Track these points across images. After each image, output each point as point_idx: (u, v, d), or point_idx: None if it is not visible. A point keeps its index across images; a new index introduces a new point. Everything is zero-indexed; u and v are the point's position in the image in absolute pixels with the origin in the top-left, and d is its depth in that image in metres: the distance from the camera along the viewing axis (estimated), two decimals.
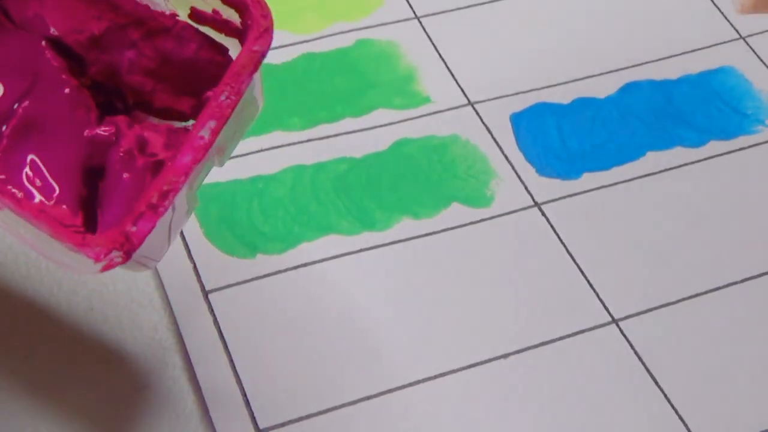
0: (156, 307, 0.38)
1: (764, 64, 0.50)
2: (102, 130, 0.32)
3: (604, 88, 0.48)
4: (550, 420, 0.37)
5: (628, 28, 0.50)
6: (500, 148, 0.45)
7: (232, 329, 0.38)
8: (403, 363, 0.38)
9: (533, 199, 0.43)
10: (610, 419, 0.38)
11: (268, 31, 0.31)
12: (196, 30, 0.32)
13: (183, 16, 0.32)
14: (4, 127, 0.31)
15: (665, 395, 0.38)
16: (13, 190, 0.29)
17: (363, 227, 0.42)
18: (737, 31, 0.51)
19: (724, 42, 0.50)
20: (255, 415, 0.36)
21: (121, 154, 0.31)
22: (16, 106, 0.31)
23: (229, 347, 0.38)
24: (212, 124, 0.29)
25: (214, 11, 0.31)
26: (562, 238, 0.42)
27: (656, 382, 0.39)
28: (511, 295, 0.40)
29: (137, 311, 0.38)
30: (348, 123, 0.45)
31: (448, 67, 0.48)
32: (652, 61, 0.49)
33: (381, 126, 0.45)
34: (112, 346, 0.37)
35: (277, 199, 0.42)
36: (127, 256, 0.27)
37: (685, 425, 0.38)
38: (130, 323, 0.38)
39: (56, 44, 0.32)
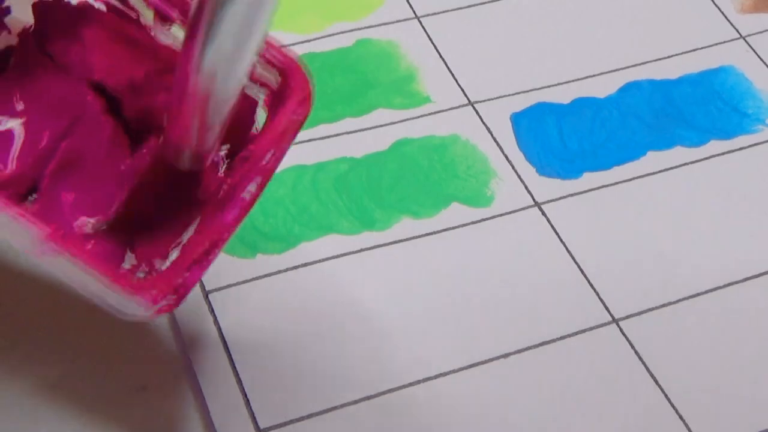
0: None
1: (764, 63, 0.50)
2: (145, 159, 0.33)
3: (604, 88, 0.48)
4: (550, 420, 0.37)
5: (628, 27, 0.50)
6: (500, 147, 0.45)
7: (232, 329, 0.38)
8: (403, 363, 0.38)
9: (533, 199, 0.43)
10: (610, 419, 0.38)
11: (308, 99, 0.32)
12: None
13: None
14: (44, 169, 0.32)
15: (665, 395, 0.38)
16: (68, 238, 0.29)
17: (363, 227, 0.42)
18: (737, 30, 0.51)
19: (725, 41, 0.50)
20: (255, 414, 0.36)
21: (164, 188, 0.32)
22: (56, 145, 0.32)
23: (229, 347, 0.38)
24: (258, 181, 0.31)
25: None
26: (562, 237, 0.42)
27: (656, 382, 0.39)
28: (510, 294, 0.40)
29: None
30: (348, 123, 0.45)
31: (448, 67, 0.48)
32: (652, 61, 0.49)
33: (381, 126, 0.45)
34: (112, 347, 0.37)
35: (277, 198, 0.42)
36: (178, 302, 0.29)
37: (686, 425, 0.38)
38: (130, 323, 0.38)
39: (96, 86, 0.33)
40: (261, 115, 0.33)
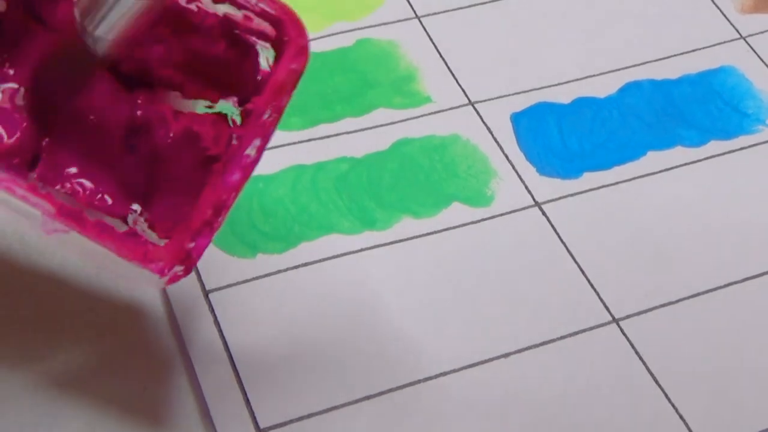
0: (156, 307, 0.38)
1: (765, 63, 0.50)
2: (145, 113, 0.32)
3: (605, 88, 0.48)
4: (550, 419, 0.37)
5: (628, 27, 0.50)
6: (501, 147, 0.45)
7: (232, 329, 0.38)
8: (403, 362, 0.38)
9: (534, 199, 0.43)
10: (610, 418, 0.38)
11: (304, 50, 0.31)
12: (225, 30, 0.32)
13: (218, 14, 0.32)
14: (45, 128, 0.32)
15: (665, 394, 0.38)
16: (77, 213, 0.29)
17: (363, 227, 0.42)
18: (737, 30, 0.51)
19: (725, 42, 0.50)
20: (255, 414, 0.36)
21: (170, 142, 0.32)
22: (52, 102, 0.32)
23: (229, 347, 0.38)
24: (258, 142, 0.30)
25: (246, 17, 0.32)
26: (562, 237, 0.42)
27: (656, 382, 0.39)
28: (511, 294, 0.40)
29: (138, 311, 0.38)
30: (348, 123, 0.45)
31: (448, 67, 0.48)
32: (653, 61, 0.49)
33: (381, 126, 0.45)
34: (112, 347, 0.37)
35: (277, 198, 0.42)
36: (188, 270, 0.29)
37: (686, 424, 0.38)
38: (131, 323, 0.38)
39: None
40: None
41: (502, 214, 0.43)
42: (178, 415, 0.36)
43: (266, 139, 0.31)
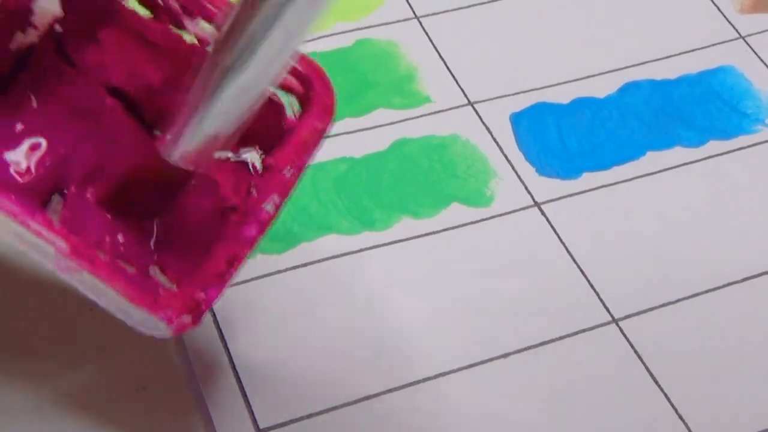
0: None
1: (764, 63, 0.50)
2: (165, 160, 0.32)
3: (604, 88, 0.48)
4: (550, 419, 0.37)
5: (628, 27, 0.50)
6: (500, 147, 0.45)
7: (232, 329, 0.38)
8: (402, 363, 0.38)
9: (533, 199, 0.43)
10: (609, 418, 0.38)
11: (330, 110, 0.31)
12: None
13: None
14: (66, 174, 0.31)
15: (665, 394, 0.38)
16: (90, 254, 0.28)
17: (363, 227, 0.42)
18: (737, 30, 0.51)
19: (724, 42, 0.50)
20: (255, 414, 0.36)
21: (189, 189, 0.32)
22: (76, 149, 0.31)
23: (229, 347, 0.38)
24: (276, 198, 0.30)
25: None
26: (561, 237, 0.42)
27: (656, 382, 0.39)
28: (510, 294, 0.40)
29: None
30: (348, 123, 0.45)
31: (448, 67, 0.48)
32: (652, 61, 0.49)
33: (381, 126, 0.45)
34: (112, 347, 0.37)
35: None
36: (196, 320, 0.29)
37: (685, 425, 0.38)
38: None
39: (114, 89, 0.32)
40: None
41: (501, 215, 0.43)
42: (178, 415, 0.36)
43: (285, 195, 0.30)
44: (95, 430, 0.35)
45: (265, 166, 0.31)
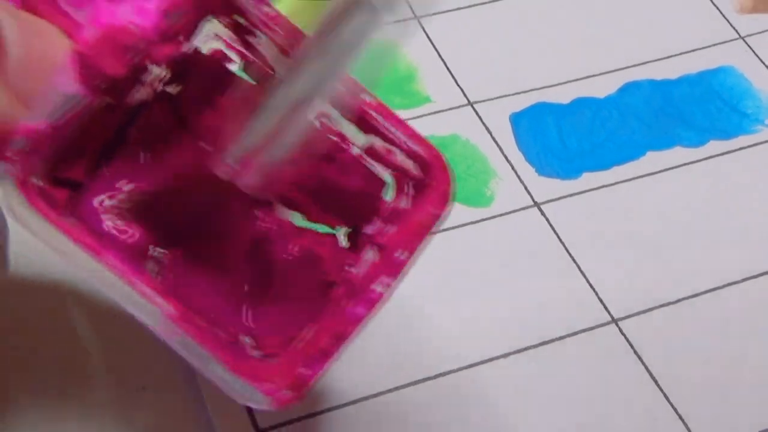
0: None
1: (764, 63, 0.50)
2: (266, 227, 0.32)
3: (604, 88, 0.48)
4: (549, 420, 0.37)
5: (628, 27, 0.50)
6: (500, 147, 0.45)
7: None
8: (401, 363, 0.38)
9: (533, 199, 0.44)
10: (609, 419, 0.38)
11: (447, 197, 0.30)
12: (364, 163, 0.31)
13: (357, 146, 0.31)
14: (172, 237, 0.30)
15: (665, 394, 0.38)
16: (196, 320, 0.28)
17: None
18: (737, 30, 0.51)
19: (724, 42, 0.50)
20: (254, 414, 0.36)
21: (288, 260, 0.31)
22: (183, 213, 0.31)
23: None
24: (386, 279, 0.29)
25: (388, 151, 0.31)
26: (561, 237, 0.42)
27: (656, 382, 0.39)
28: (509, 294, 0.40)
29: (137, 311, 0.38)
30: None
31: (448, 67, 0.48)
32: (652, 61, 0.49)
33: None
34: (111, 346, 0.37)
35: None
36: (298, 395, 0.28)
37: (685, 425, 0.38)
38: (131, 323, 0.38)
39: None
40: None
41: (501, 215, 0.43)
42: (178, 415, 0.36)
43: (395, 277, 0.30)
44: (95, 429, 0.35)
45: (377, 246, 0.30)
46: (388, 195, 0.32)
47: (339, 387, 0.37)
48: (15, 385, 0.36)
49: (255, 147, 0.28)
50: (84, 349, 0.37)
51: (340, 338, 0.29)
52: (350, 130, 0.31)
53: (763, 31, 0.51)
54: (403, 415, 0.37)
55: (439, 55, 0.48)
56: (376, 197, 0.32)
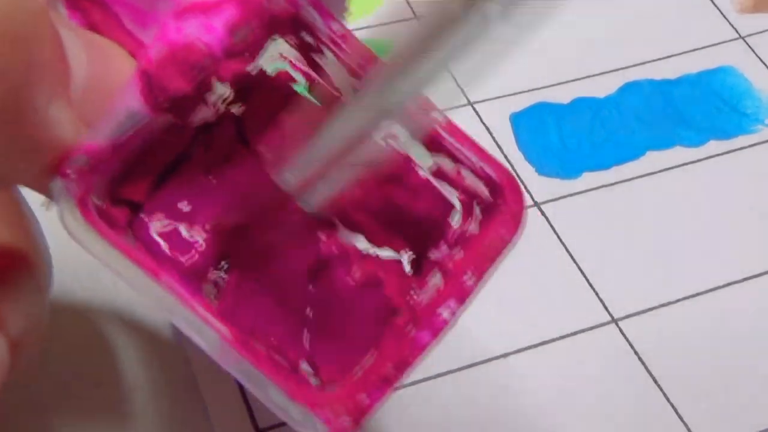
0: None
1: (764, 63, 0.50)
2: (328, 251, 0.31)
3: (604, 88, 0.48)
4: (549, 420, 0.37)
5: (628, 27, 0.50)
6: (500, 147, 0.45)
7: None
8: None
9: (533, 199, 0.43)
10: (609, 419, 0.38)
11: (518, 219, 0.30)
12: (432, 186, 0.30)
13: (424, 168, 0.30)
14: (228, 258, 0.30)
15: (665, 394, 0.38)
16: (254, 345, 0.27)
17: None
18: (737, 30, 0.51)
19: (724, 42, 0.50)
20: (254, 414, 0.36)
21: (352, 285, 0.31)
22: (242, 235, 0.30)
23: None
24: (453, 304, 0.28)
25: (458, 173, 0.30)
26: (561, 237, 0.42)
27: (656, 382, 0.39)
28: (509, 294, 0.40)
29: (137, 311, 0.38)
30: None
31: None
32: (652, 61, 0.49)
33: None
34: (111, 347, 0.37)
35: None
36: (357, 424, 0.27)
37: (685, 424, 0.38)
38: (131, 323, 0.38)
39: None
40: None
41: None
42: (177, 415, 0.36)
43: (462, 302, 0.28)
44: (95, 429, 0.35)
45: (444, 271, 0.29)
46: (455, 219, 0.31)
47: None
48: (12, 384, 0.36)
49: (318, 165, 0.27)
50: (84, 350, 0.37)
51: (402, 365, 0.28)
52: (418, 152, 0.30)
53: (763, 31, 0.51)
54: (403, 413, 0.37)
55: None
56: (443, 221, 0.31)
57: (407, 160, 0.30)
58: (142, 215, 0.29)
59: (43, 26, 0.24)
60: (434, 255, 0.31)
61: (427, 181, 0.30)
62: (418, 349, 0.28)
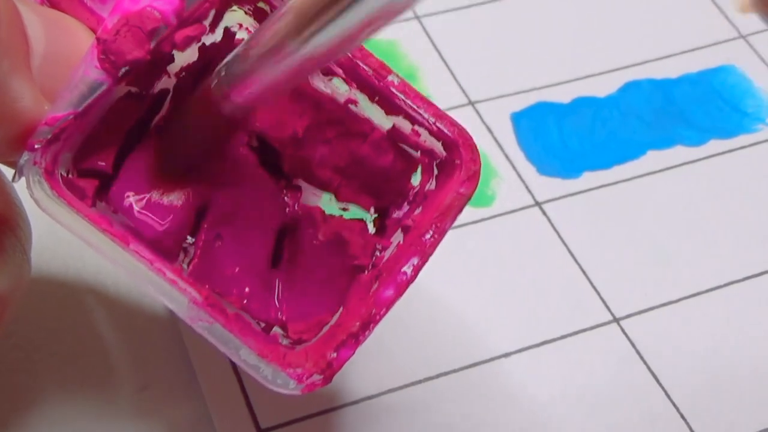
0: (157, 307, 0.38)
1: (765, 62, 0.50)
2: (294, 213, 0.31)
3: (605, 88, 0.48)
4: (550, 420, 0.37)
5: (628, 27, 0.50)
6: (501, 147, 0.45)
7: None
8: (401, 363, 0.38)
9: (534, 199, 0.43)
10: (611, 418, 0.38)
11: (475, 176, 0.30)
12: (393, 143, 0.31)
13: (383, 128, 0.31)
14: (199, 222, 0.30)
15: (667, 394, 0.38)
16: (224, 307, 0.28)
17: None
18: (737, 29, 0.51)
19: (725, 41, 0.50)
20: (256, 414, 0.36)
21: (316, 245, 0.31)
22: (214, 200, 0.31)
23: None
24: (415, 260, 0.29)
25: (414, 131, 0.31)
26: (562, 237, 0.42)
27: (658, 381, 0.39)
28: (511, 293, 0.40)
29: (138, 311, 0.38)
30: None
31: (448, 67, 0.48)
32: (652, 60, 0.49)
33: None
34: (112, 347, 0.37)
35: None
36: (327, 380, 0.28)
37: (687, 424, 0.38)
38: (131, 323, 0.38)
39: (254, 136, 0.32)
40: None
41: (502, 214, 0.43)
42: (179, 415, 0.36)
43: (424, 259, 0.29)
44: (95, 429, 0.35)
45: (404, 228, 0.30)
46: (416, 177, 0.31)
47: (338, 387, 0.37)
48: (12, 384, 0.36)
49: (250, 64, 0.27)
50: (84, 350, 0.37)
51: (369, 322, 0.29)
52: (377, 114, 0.31)
53: (764, 30, 0.51)
54: (404, 414, 0.37)
55: (440, 55, 0.48)
56: (404, 179, 0.31)
57: (368, 122, 0.31)
58: (110, 184, 0.29)
59: (1, 2, 0.25)
60: (396, 214, 0.31)
61: (389, 138, 0.31)
62: (384, 306, 0.29)
